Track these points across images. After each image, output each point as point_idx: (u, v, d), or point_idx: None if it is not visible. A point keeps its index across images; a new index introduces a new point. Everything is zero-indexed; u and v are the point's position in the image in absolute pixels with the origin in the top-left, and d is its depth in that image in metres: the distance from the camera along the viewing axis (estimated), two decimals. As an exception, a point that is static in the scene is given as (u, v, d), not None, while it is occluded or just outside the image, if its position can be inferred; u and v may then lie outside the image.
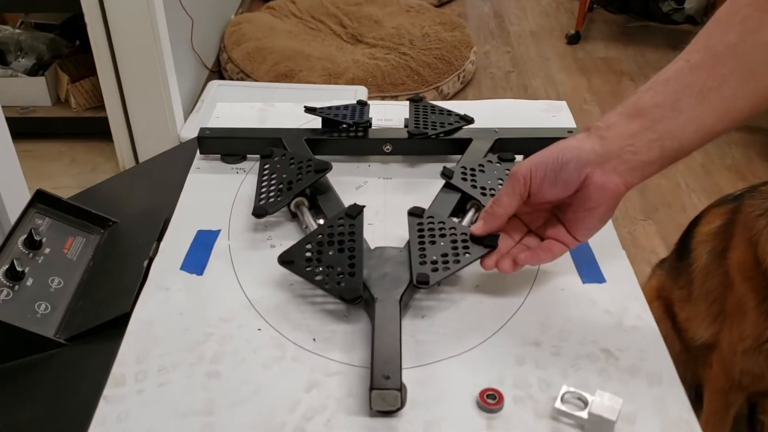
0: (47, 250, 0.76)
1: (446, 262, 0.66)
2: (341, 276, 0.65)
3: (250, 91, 2.28)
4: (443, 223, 0.70)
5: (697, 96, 0.59)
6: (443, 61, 2.59)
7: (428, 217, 0.70)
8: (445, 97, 2.59)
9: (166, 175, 0.93)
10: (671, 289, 1.30)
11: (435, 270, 0.65)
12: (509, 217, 0.67)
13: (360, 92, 2.25)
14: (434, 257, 0.66)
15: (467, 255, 0.66)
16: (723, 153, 2.38)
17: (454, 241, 0.67)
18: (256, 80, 2.46)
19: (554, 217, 0.67)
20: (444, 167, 0.78)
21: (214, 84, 2.34)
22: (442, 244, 0.67)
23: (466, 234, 0.68)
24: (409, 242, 0.68)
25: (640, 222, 2.07)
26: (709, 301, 1.18)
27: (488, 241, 0.67)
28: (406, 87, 2.48)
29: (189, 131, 2.11)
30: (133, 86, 2.05)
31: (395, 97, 2.45)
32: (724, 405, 1.24)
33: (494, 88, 2.74)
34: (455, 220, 0.74)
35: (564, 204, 0.66)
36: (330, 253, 0.67)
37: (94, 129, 2.25)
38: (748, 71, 0.58)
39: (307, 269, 0.66)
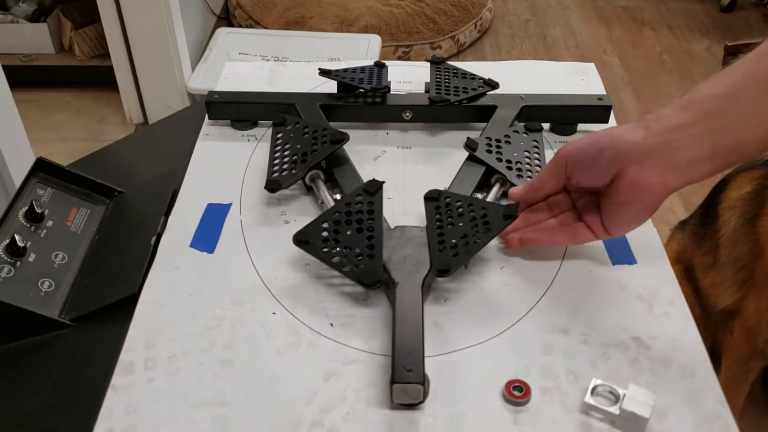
0: (50, 223, 0.72)
1: (467, 243, 0.62)
2: (360, 258, 0.62)
3: (259, 39, 2.22)
4: (461, 201, 0.66)
5: (762, 86, 0.53)
6: (459, 8, 2.50)
7: (446, 198, 0.66)
8: (462, 47, 2.51)
9: (175, 139, 0.89)
10: (694, 255, 1.27)
11: (455, 255, 0.61)
12: (547, 194, 0.65)
13: (373, 41, 2.18)
14: (454, 240, 0.62)
15: (488, 231, 0.63)
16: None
17: (474, 219, 0.64)
18: (266, 27, 2.39)
19: (596, 204, 0.63)
20: (468, 138, 0.74)
21: (222, 32, 2.27)
22: (461, 224, 0.63)
23: (485, 208, 0.64)
24: (427, 229, 0.65)
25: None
26: (737, 268, 1.14)
27: (506, 211, 0.63)
28: (422, 36, 2.40)
29: (196, 81, 2.06)
30: (139, 33, 1.99)
31: (410, 47, 2.38)
32: (744, 371, 1.22)
33: (512, 37, 2.66)
34: (478, 196, 0.71)
35: (602, 193, 0.62)
36: (348, 233, 0.63)
37: (99, 78, 2.19)
38: None
39: (324, 250, 0.63)
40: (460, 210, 0.65)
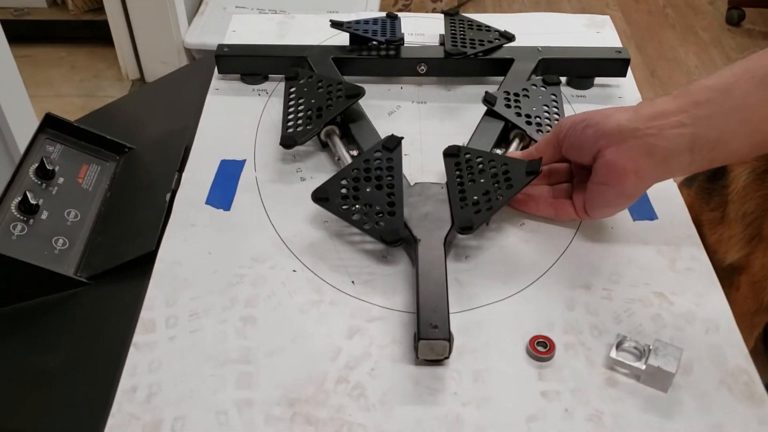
0: (61, 180, 0.71)
1: (489, 200, 0.61)
2: (380, 215, 0.61)
3: (257, -8, 2.17)
4: (481, 157, 0.65)
5: (758, 82, 0.50)
6: (459, -40, 2.45)
7: (465, 154, 0.65)
8: (462, 0, 2.47)
9: (180, 95, 0.87)
10: (701, 211, 1.26)
11: (477, 212, 0.60)
12: (544, 164, 0.63)
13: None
14: (475, 197, 0.61)
15: (510, 187, 0.62)
16: None
17: (495, 175, 0.63)
18: (264, -21, 2.34)
19: (586, 182, 0.62)
20: (486, 93, 0.73)
21: (219, -16, 2.22)
22: (482, 181, 0.63)
23: (507, 164, 0.63)
24: (447, 186, 0.64)
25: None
26: (745, 223, 1.14)
27: (529, 167, 0.62)
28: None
29: (193, 36, 2.02)
30: (133, -14, 1.95)
31: (410, 0, 2.33)
32: (750, 326, 1.23)
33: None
34: (497, 151, 0.70)
35: (589, 171, 0.60)
36: (367, 189, 0.63)
37: (94, 33, 2.15)
38: None
39: (344, 207, 0.62)
40: (481, 166, 0.64)
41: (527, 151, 0.66)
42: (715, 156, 0.54)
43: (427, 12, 2.40)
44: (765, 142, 0.53)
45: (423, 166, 0.71)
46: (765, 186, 1.09)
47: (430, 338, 0.52)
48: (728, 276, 1.27)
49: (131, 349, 0.55)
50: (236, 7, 2.09)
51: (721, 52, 2.32)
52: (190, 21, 2.07)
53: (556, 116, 0.73)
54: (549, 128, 0.71)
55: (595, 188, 0.60)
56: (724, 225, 1.20)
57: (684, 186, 1.41)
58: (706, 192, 1.26)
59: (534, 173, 0.62)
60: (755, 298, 1.18)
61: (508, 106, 0.72)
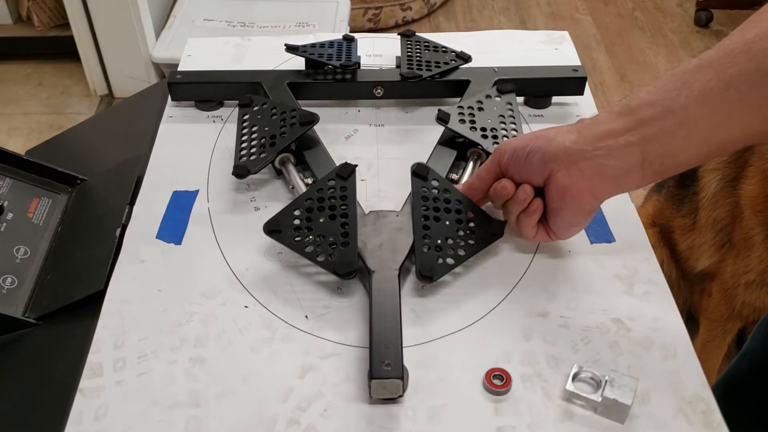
0: (10, 216, 0.69)
1: (451, 247, 0.61)
2: (334, 246, 0.60)
3: (224, 4, 2.15)
4: (449, 191, 0.64)
5: (696, 97, 0.50)
6: (428, -33, 2.45)
7: (433, 180, 0.64)
8: (432, 7, 2.47)
9: (140, 120, 0.86)
10: (672, 217, 1.26)
11: (439, 260, 0.60)
12: (484, 191, 0.63)
13: (342, 3, 2.12)
14: (438, 240, 0.60)
15: (472, 243, 0.61)
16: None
17: (460, 221, 0.62)
18: (231, -8, 2.32)
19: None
20: (439, 110, 0.72)
21: (186, -3, 2.20)
22: (447, 223, 0.62)
23: (473, 214, 0.63)
24: (412, 208, 0.63)
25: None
26: (716, 230, 1.15)
27: (494, 229, 0.62)
28: (392, -6, 2.35)
29: (161, 50, 1.99)
30: (99, 1, 1.92)
31: (380, 9, 2.33)
32: (722, 332, 1.23)
33: (484, -6, 2.61)
34: (453, 176, 0.69)
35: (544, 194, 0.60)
36: (321, 220, 0.61)
37: (60, 49, 2.12)
38: (760, 74, 0.48)
39: (296, 239, 0.61)
40: (447, 205, 0.63)
41: (468, 182, 0.65)
42: (664, 169, 0.54)
43: (397, 20, 2.39)
44: (710, 153, 0.54)
45: (380, 192, 0.70)
46: (735, 193, 1.09)
47: (382, 377, 0.51)
48: (700, 282, 1.28)
49: (77, 396, 0.54)
50: (204, 20, 2.07)
51: (689, 53, 2.33)
52: (157, 35, 2.05)
53: (513, 125, 0.72)
54: (506, 139, 0.70)
55: (553, 212, 0.59)
56: (695, 232, 1.20)
57: (654, 191, 1.41)
58: (677, 198, 1.26)
59: (497, 236, 0.62)
60: (727, 305, 1.18)
61: (463, 121, 0.71)
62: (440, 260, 0.60)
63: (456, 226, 0.62)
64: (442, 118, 0.71)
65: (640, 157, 0.53)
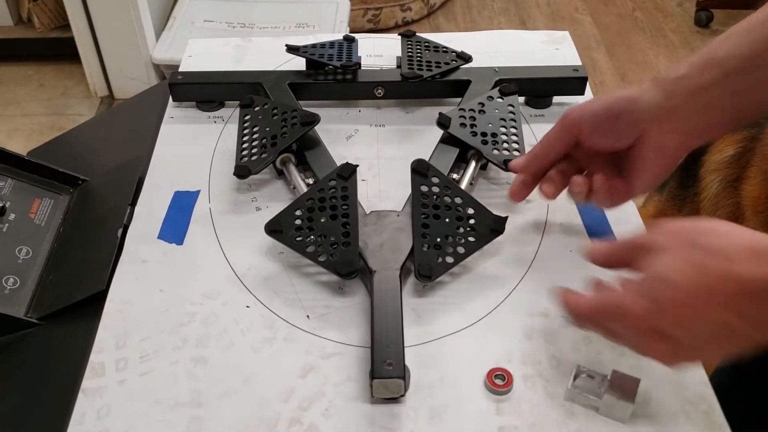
0: (12, 216, 0.69)
1: (451, 245, 0.61)
2: (335, 246, 0.60)
3: (224, 6, 2.15)
4: (449, 188, 0.64)
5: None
6: (428, -32, 2.45)
7: (433, 177, 0.64)
8: (432, 8, 2.47)
9: (141, 120, 0.86)
10: (673, 218, 1.26)
11: (438, 260, 0.60)
12: (552, 162, 0.62)
13: (342, 4, 2.13)
14: (438, 238, 0.60)
15: (472, 241, 0.61)
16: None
17: (460, 218, 0.62)
18: (231, -7, 2.32)
19: (613, 164, 0.61)
20: (440, 114, 0.72)
21: (186, -2, 2.20)
22: (447, 221, 0.62)
23: (474, 210, 0.63)
24: (411, 206, 0.63)
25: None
26: None
27: (495, 225, 0.62)
28: (391, -5, 2.35)
29: (161, 51, 2.00)
30: (100, 3, 1.92)
31: (379, 10, 2.33)
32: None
33: (484, -6, 2.62)
34: (454, 176, 0.69)
35: (622, 154, 0.60)
36: (322, 220, 0.61)
37: (61, 50, 2.12)
38: None
39: (298, 239, 0.61)
40: (447, 202, 0.63)
41: (532, 152, 0.63)
42: (750, 117, 0.57)
43: (396, 21, 2.39)
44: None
45: (381, 192, 0.70)
46: (736, 194, 1.09)
47: (384, 377, 0.51)
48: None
49: (79, 396, 0.54)
50: (204, 21, 2.07)
51: (690, 53, 2.33)
52: (158, 36, 2.05)
53: (514, 129, 0.72)
54: (506, 144, 0.70)
55: (640, 168, 0.59)
56: (696, 233, 1.19)
57: (655, 192, 1.41)
58: (678, 199, 1.26)
59: (498, 233, 0.62)
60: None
61: (464, 125, 0.71)
62: (439, 259, 0.60)
63: (456, 224, 0.62)
64: (443, 123, 0.71)
65: (731, 112, 0.56)
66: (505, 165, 0.68)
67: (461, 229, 0.62)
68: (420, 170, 0.64)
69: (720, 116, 0.56)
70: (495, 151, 0.70)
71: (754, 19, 0.54)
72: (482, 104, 0.74)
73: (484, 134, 0.71)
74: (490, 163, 0.71)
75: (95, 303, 0.61)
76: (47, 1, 2.13)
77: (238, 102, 0.77)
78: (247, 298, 0.60)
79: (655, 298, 0.45)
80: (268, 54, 0.88)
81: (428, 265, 0.59)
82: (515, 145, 0.71)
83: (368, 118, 0.80)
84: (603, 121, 0.58)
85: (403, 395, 0.53)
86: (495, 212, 0.63)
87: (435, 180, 0.64)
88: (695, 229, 0.46)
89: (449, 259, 0.60)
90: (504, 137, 0.71)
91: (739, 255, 0.43)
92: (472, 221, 0.62)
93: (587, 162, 0.63)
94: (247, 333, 0.58)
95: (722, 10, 2.43)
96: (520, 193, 0.64)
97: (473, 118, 0.72)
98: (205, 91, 0.79)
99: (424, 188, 0.63)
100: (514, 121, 0.73)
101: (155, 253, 0.64)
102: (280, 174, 0.71)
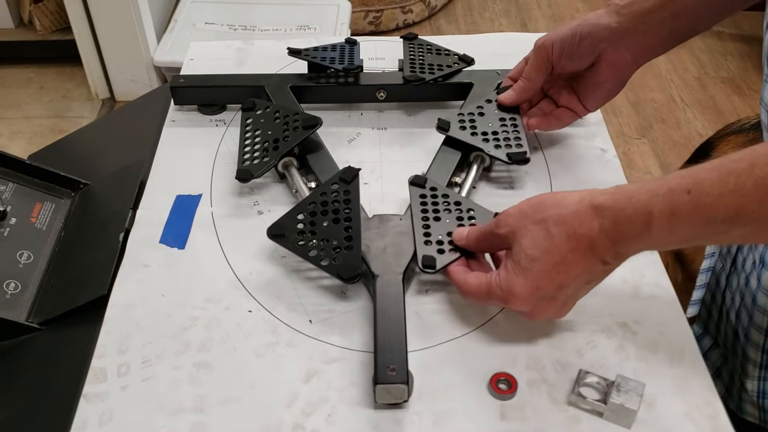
0: (13, 220, 0.69)
1: (452, 241, 0.60)
2: (337, 251, 0.59)
3: (225, 8, 2.15)
4: (447, 196, 0.64)
5: None
6: (429, -30, 2.45)
7: (431, 188, 0.64)
8: (433, 10, 2.47)
9: (142, 124, 0.85)
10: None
11: (441, 252, 0.59)
12: (536, 91, 0.72)
13: (343, 7, 2.12)
14: (440, 236, 0.60)
15: None
16: (718, 65, 2.31)
17: (460, 219, 0.62)
18: (232, -5, 2.32)
19: (569, 87, 0.72)
20: (439, 119, 0.72)
21: (188, 1, 2.20)
22: (447, 221, 0.61)
23: (472, 210, 0.63)
24: (411, 216, 0.62)
25: (635, 141, 2.01)
26: None
27: None
28: (392, -1, 2.35)
29: (162, 54, 2.00)
30: (101, 5, 1.92)
31: (380, 12, 2.33)
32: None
33: (485, -4, 2.62)
34: (457, 180, 0.69)
35: (578, 76, 0.70)
36: (324, 224, 0.61)
37: (62, 53, 2.12)
38: None
39: (300, 243, 0.60)
40: (447, 206, 0.63)
41: (518, 85, 0.72)
42: (686, 36, 0.67)
43: (398, 23, 2.39)
44: (727, 14, 0.66)
45: (383, 195, 0.70)
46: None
47: (387, 382, 0.51)
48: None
49: (81, 401, 0.54)
50: (205, 23, 2.07)
51: (690, 54, 2.33)
52: (159, 39, 2.05)
53: (514, 126, 0.72)
54: (508, 140, 0.70)
55: (594, 86, 0.69)
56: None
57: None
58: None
59: None
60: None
61: (463, 128, 0.71)
62: (442, 252, 0.60)
63: (457, 223, 0.62)
64: (442, 127, 0.71)
65: (669, 31, 0.65)
66: (509, 159, 0.68)
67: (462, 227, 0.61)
68: (417, 182, 0.65)
69: (663, 36, 0.65)
70: (497, 148, 0.69)
71: None
72: (481, 107, 0.73)
73: (484, 133, 0.71)
74: (492, 165, 0.71)
75: (97, 308, 0.61)
76: (48, 3, 2.12)
77: (240, 105, 0.76)
78: (250, 303, 0.60)
79: (532, 276, 0.52)
80: (270, 57, 0.88)
81: (431, 255, 0.59)
82: (517, 141, 0.70)
83: (370, 121, 0.80)
84: (570, 44, 0.67)
85: (406, 401, 0.52)
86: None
87: (433, 190, 0.64)
88: (533, 207, 0.53)
89: (452, 250, 0.60)
90: (505, 134, 0.71)
91: (574, 216, 0.51)
92: (473, 221, 0.62)
93: (549, 86, 0.73)
94: (249, 338, 0.57)
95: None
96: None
97: (473, 120, 0.72)
98: (207, 95, 0.79)
99: (423, 197, 0.63)
100: (515, 119, 0.72)
101: (157, 258, 0.64)
102: (282, 178, 0.71)
